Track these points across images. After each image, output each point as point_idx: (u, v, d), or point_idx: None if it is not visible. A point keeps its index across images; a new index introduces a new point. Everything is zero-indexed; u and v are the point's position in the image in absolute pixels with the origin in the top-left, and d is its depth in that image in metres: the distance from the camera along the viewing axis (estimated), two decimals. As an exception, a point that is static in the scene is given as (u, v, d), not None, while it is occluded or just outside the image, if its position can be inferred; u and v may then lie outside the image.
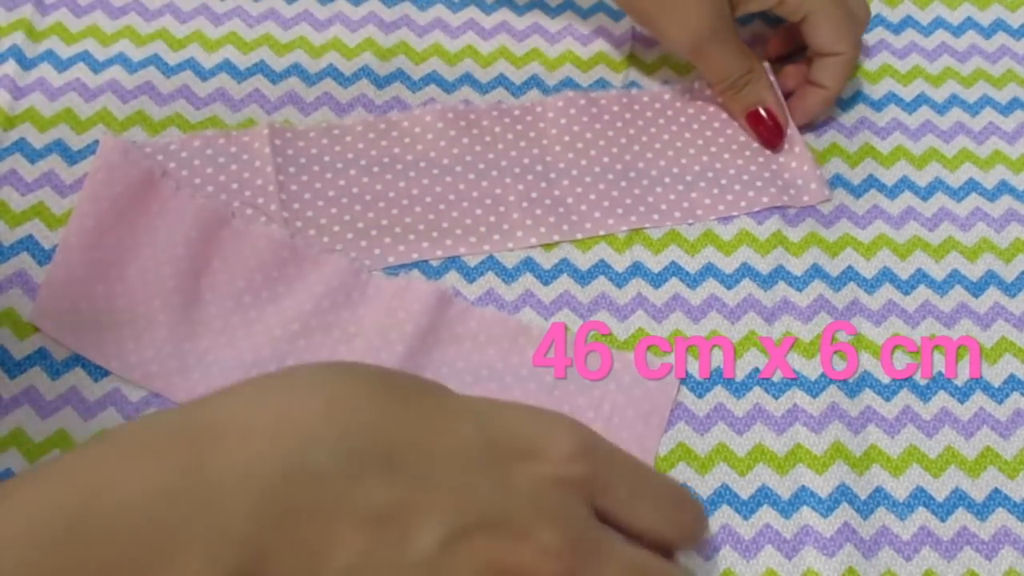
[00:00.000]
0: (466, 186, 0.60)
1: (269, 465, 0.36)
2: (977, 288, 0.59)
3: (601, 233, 0.59)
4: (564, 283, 0.58)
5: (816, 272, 0.59)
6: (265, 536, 0.36)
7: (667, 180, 0.61)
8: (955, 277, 0.59)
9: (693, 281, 0.58)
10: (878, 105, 0.65)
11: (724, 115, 0.64)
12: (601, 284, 0.58)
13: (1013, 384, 0.56)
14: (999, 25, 0.69)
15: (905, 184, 0.62)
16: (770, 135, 0.62)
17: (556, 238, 0.59)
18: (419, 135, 0.62)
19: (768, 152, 0.62)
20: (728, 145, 0.63)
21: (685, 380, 0.55)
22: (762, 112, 0.62)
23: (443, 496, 0.37)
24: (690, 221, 0.60)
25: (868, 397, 0.55)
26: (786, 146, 0.62)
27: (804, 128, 0.63)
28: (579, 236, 0.59)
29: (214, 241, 0.57)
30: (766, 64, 0.63)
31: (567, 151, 0.62)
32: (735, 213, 0.60)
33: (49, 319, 0.55)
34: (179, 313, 0.55)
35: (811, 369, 0.56)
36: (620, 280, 0.58)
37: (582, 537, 0.38)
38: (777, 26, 0.67)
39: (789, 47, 0.65)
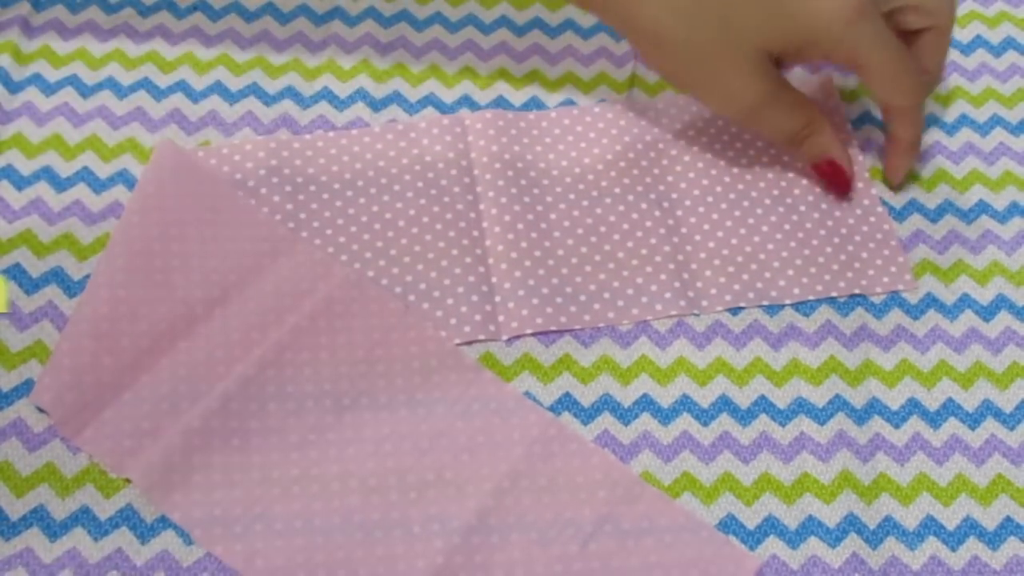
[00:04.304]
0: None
1: None
2: (987, 312, 0.61)
3: (649, 318, 0.60)
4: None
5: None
6: None
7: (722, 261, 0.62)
8: (965, 300, 0.61)
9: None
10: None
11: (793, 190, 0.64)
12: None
13: (1025, 410, 0.58)
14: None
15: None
16: (836, 184, 0.63)
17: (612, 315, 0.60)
18: None
19: (844, 234, 0.63)
20: (802, 225, 0.63)
21: (691, 410, 0.57)
22: (828, 163, 0.62)
23: None
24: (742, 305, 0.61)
25: (877, 424, 0.57)
26: (865, 229, 0.63)
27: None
28: (625, 321, 0.60)
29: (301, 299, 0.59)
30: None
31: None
32: (811, 298, 0.61)
33: (50, 395, 0.56)
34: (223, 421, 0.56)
35: (818, 396, 0.58)
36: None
37: None
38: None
39: None
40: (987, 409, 0.58)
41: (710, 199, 0.63)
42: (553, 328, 0.59)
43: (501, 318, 0.60)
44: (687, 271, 0.61)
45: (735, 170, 0.64)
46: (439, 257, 0.61)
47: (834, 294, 0.60)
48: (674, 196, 0.64)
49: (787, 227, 0.62)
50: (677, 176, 0.64)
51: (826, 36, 0.58)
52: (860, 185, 0.64)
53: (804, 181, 0.64)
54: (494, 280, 0.60)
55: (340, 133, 0.65)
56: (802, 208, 0.63)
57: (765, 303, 0.60)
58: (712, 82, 0.60)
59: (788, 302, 0.60)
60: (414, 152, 0.64)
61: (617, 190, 0.64)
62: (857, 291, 0.61)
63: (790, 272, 0.61)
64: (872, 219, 0.63)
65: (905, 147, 0.63)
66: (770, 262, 0.61)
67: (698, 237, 0.62)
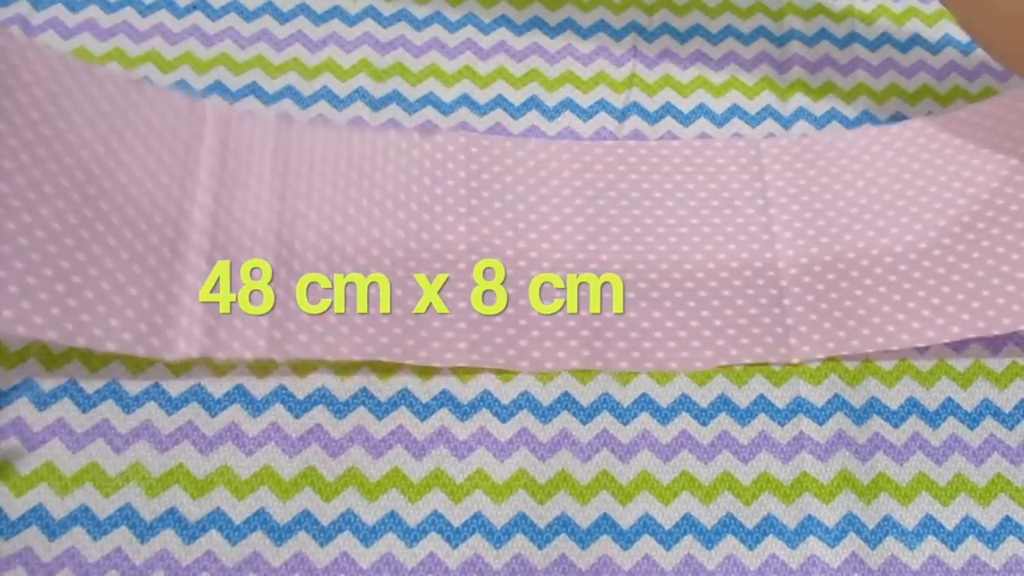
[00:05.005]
0: None
1: None
2: (988, 312, 0.61)
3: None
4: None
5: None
6: None
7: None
8: (965, 301, 0.62)
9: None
10: None
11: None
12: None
13: (1024, 410, 0.58)
14: None
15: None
16: None
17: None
18: None
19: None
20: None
21: (690, 408, 0.58)
22: None
23: None
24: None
25: (876, 424, 0.57)
26: None
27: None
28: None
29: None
30: None
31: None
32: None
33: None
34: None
35: (817, 395, 0.58)
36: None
37: None
38: None
39: None
40: (986, 408, 0.58)
41: (1006, 219, 0.61)
42: (844, 353, 0.59)
43: (792, 341, 0.59)
44: (988, 288, 0.59)
45: None
46: (731, 277, 0.61)
47: None
48: (969, 217, 0.61)
49: None
50: (976, 197, 0.62)
51: None
52: None
53: None
54: (786, 303, 0.60)
55: (641, 143, 0.66)
56: None
57: None
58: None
59: None
60: (709, 170, 0.65)
61: (914, 209, 0.62)
62: None
63: None
64: None
65: None
66: None
67: (1001, 249, 0.59)
